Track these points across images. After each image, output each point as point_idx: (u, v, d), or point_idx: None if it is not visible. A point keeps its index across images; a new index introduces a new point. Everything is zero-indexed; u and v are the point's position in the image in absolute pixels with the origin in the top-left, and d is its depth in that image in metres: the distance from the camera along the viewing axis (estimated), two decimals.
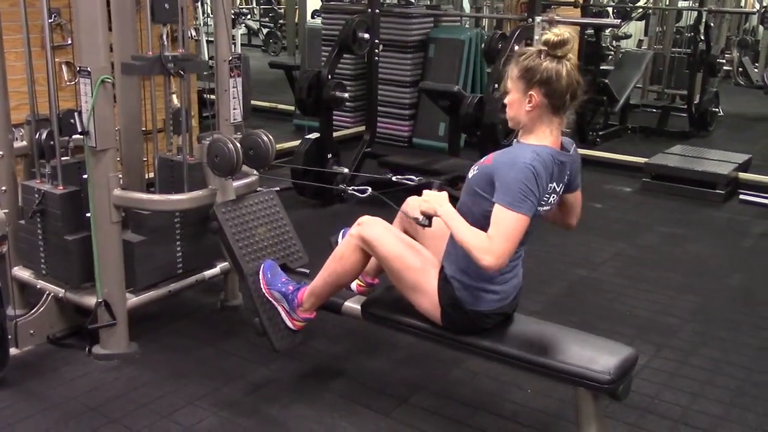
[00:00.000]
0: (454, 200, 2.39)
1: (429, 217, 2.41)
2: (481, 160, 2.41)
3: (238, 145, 2.91)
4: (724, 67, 8.77)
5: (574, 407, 2.39)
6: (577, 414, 2.37)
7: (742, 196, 5.68)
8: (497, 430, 2.70)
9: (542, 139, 2.33)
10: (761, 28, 10.35)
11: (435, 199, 2.38)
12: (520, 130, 2.40)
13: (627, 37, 11.24)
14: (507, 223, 2.23)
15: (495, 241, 2.22)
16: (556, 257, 4.36)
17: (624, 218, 5.24)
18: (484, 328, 2.47)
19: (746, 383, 3.07)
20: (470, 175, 2.43)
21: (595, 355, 2.33)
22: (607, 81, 7.48)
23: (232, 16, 4.68)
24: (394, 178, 2.93)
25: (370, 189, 2.91)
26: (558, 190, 2.38)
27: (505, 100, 2.38)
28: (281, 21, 13.67)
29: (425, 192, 2.43)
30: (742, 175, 5.93)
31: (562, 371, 2.31)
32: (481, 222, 2.30)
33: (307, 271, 3.04)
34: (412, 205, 2.59)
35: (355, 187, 2.97)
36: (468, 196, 2.41)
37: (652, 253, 4.56)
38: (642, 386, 2.98)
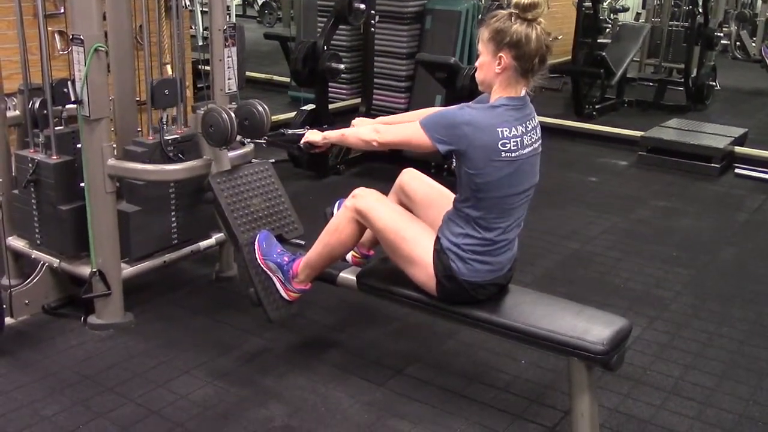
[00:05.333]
0: None
1: (311, 145, 2.74)
2: None
3: (233, 115, 2.90)
4: (722, 41, 8.70)
5: (567, 378, 2.40)
6: (569, 384, 2.38)
7: (737, 170, 5.68)
8: (491, 401, 2.72)
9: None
10: (759, 1, 10.28)
11: (312, 134, 2.73)
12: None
13: (625, 10, 11.13)
14: (410, 129, 2.42)
15: (389, 128, 2.54)
16: (549, 230, 4.37)
17: (619, 191, 5.24)
18: (479, 299, 2.48)
19: (738, 355, 3.09)
20: None
21: (589, 326, 2.34)
22: (604, 54, 7.44)
23: None
24: (287, 132, 3.37)
25: (266, 137, 3.07)
26: (531, 128, 2.37)
27: (476, 63, 2.40)
28: None
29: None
30: (737, 149, 5.93)
31: (556, 341, 2.31)
32: (463, 189, 2.38)
33: (303, 242, 3.04)
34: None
35: (254, 140, 3.16)
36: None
37: (646, 227, 4.56)
38: (635, 358, 3.00)
